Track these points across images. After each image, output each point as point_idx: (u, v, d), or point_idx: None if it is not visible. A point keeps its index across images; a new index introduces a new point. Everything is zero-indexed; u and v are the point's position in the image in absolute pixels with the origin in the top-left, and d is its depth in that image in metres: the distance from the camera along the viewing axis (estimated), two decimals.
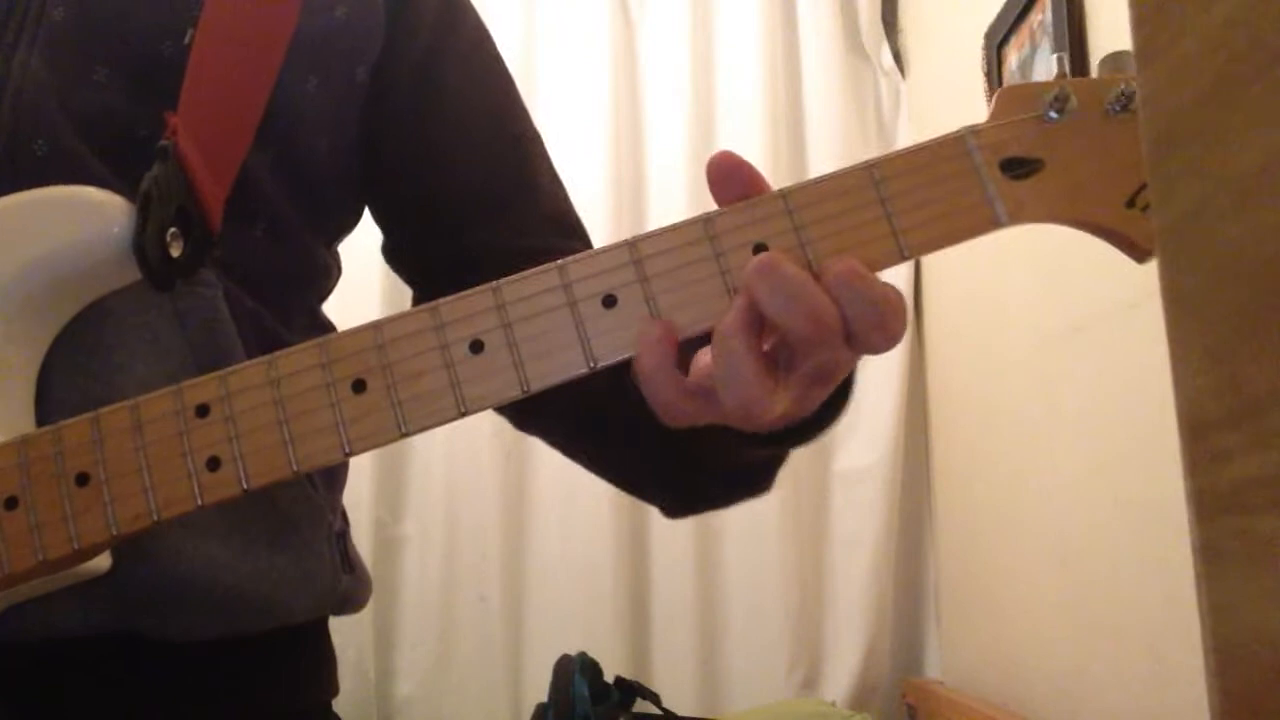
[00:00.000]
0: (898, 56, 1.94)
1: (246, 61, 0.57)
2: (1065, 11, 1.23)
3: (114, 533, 0.44)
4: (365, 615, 1.71)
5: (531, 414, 0.65)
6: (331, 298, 0.72)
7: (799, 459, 1.93)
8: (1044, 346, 1.34)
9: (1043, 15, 1.30)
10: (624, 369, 0.44)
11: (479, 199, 0.66)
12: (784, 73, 1.89)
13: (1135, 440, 1.08)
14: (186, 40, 0.55)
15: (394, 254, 0.70)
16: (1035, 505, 1.37)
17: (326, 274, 0.70)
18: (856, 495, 1.79)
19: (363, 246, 0.74)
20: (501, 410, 0.65)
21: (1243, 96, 0.22)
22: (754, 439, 0.49)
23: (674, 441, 0.56)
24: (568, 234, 0.66)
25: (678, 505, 0.66)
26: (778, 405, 0.42)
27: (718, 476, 0.59)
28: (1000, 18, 1.45)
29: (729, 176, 0.44)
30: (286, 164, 0.61)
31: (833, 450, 1.84)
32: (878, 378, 1.81)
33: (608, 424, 0.61)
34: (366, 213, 0.71)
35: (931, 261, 1.82)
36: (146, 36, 0.56)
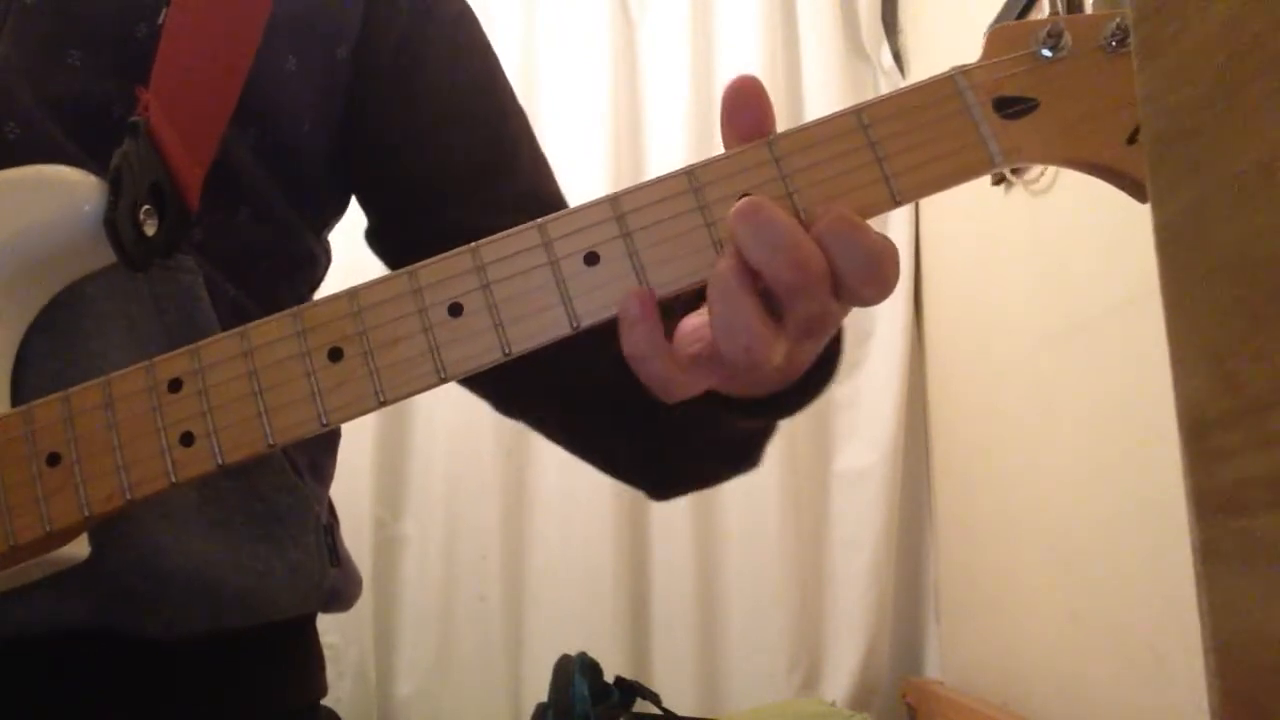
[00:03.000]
0: (898, 56, 1.94)
1: (222, 38, 0.56)
2: (1064, 8, 1.23)
3: (86, 514, 0.43)
4: (365, 615, 1.72)
5: (513, 396, 0.65)
6: (325, 288, 0.71)
7: (799, 459, 1.93)
8: (1044, 346, 1.34)
9: (1043, 15, 1.30)
10: (610, 347, 0.42)
11: (456, 176, 0.66)
12: (784, 73, 1.89)
13: (1135, 440, 1.08)
14: (160, 20, 0.54)
15: (375, 236, 0.69)
16: (1035, 505, 1.37)
17: (314, 262, 0.69)
18: (856, 495, 1.79)
19: (359, 236, 0.74)
20: (484, 394, 0.64)
21: (1243, 96, 0.22)
22: (742, 409, 0.48)
23: (662, 419, 0.54)
24: (545, 214, 0.66)
25: (666, 485, 0.65)
26: (778, 352, 0.41)
27: (707, 452, 0.58)
28: (1000, 17, 1.45)
29: (743, 105, 0.43)
30: (269, 145, 0.60)
31: (833, 451, 1.84)
32: (878, 378, 1.81)
33: (593, 405, 0.60)
34: (356, 201, 0.71)
35: (931, 261, 1.82)
36: (120, 18, 0.56)
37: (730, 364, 0.41)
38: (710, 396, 0.48)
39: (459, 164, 0.66)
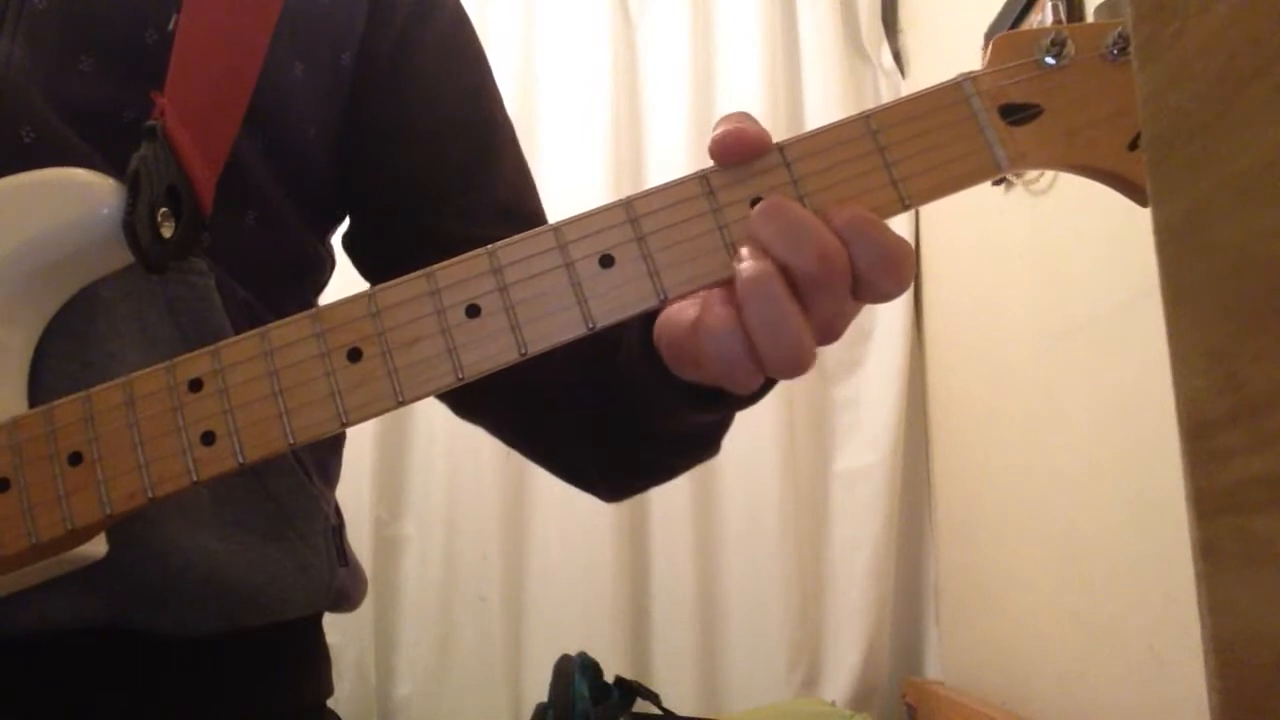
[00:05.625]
0: (898, 56, 1.94)
1: (232, 44, 0.56)
2: (1065, 12, 1.23)
3: (107, 512, 0.43)
4: (365, 615, 1.72)
5: (471, 401, 0.65)
6: (329, 291, 0.71)
7: (799, 459, 1.93)
8: (1044, 346, 1.34)
9: (1042, 15, 1.30)
10: (574, 346, 0.43)
11: (435, 181, 0.66)
12: (784, 73, 1.89)
13: (1135, 440, 1.08)
14: (170, 27, 0.55)
15: (351, 239, 0.70)
16: (1035, 505, 1.37)
17: (320, 265, 0.69)
18: (856, 495, 1.79)
19: None
20: (442, 398, 0.65)
21: (1243, 96, 0.22)
22: (700, 403, 0.49)
23: (622, 413, 0.56)
24: (521, 228, 0.66)
25: (623, 482, 0.65)
26: (814, 352, 0.41)
27: (668, 444, 0.58)
28: (1000, 17, 1.45)
29: (736, 155, 0.43)
30: (276, 150, 0.61)
31: (833, 450, 1.83)
32: (878, 378, 1.81)
33: (553, 404, 0.61)
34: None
35: (932, 260, 1.82)
36: (130, 24, 0.56)
37: (771, 367, 0.41)
38: (673, 389, 0.49)
39: (442, 170, 0.66)
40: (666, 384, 0.49)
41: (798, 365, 0.41)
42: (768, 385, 0.50)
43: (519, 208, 0.67)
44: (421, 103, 0.67)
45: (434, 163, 0.66)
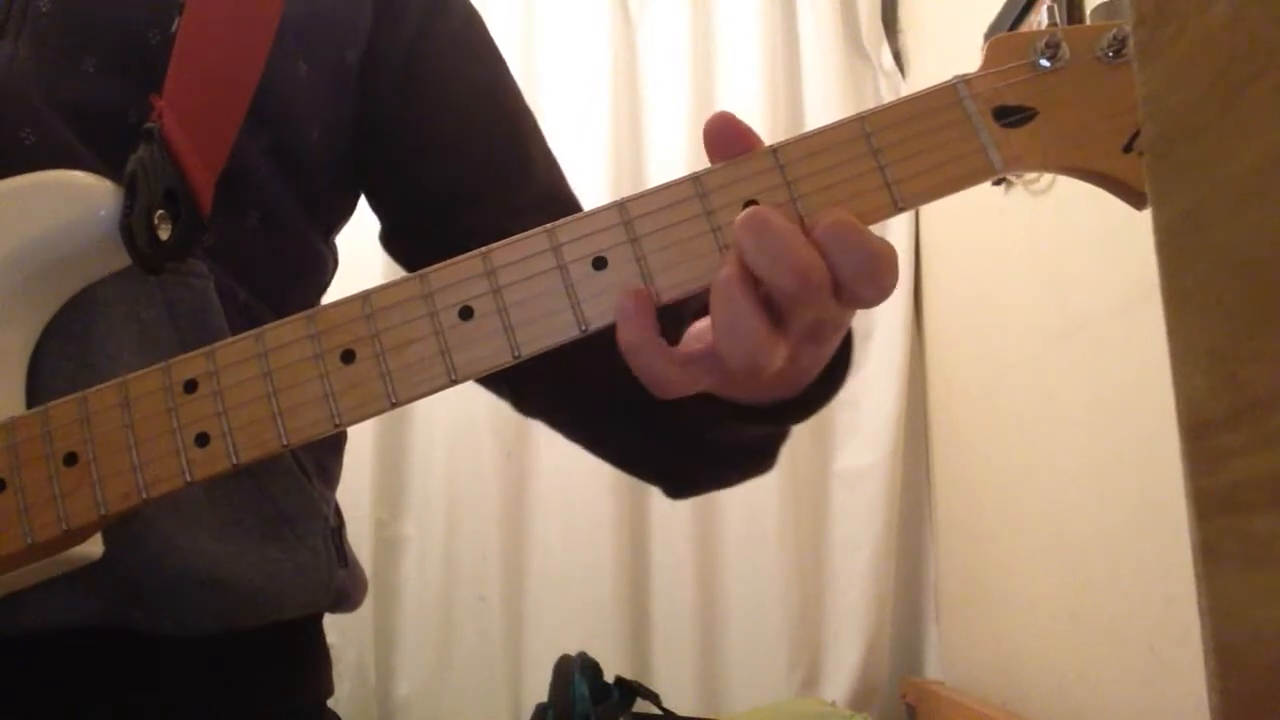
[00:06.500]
0: (898, 56, 1.94)
1: (233, 45, 0.57)
2: (1064, 13, 1.23)
3: (102, 512, 0.44)
4: (365, 615, 1.72)
5: (533, 397, 0.65)
6: (331, 293, 0.71)
7: (799, 459, 1.93)
8: (1044, 346, 1.34)
9: (1042, 15, 1.30)
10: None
11: (471, 180, 0.66)
12: (784, 73, 1.89)
13: (1135, 440, 1.08)
14: (173, 29, 0.55)
15: (390, 240, 0.70)
16: (1035, 505, 1.37)
17: (323, 266, 0.69)
18: (856, 495, 1.79)
19: (362, 239, 0.74)
20: (504, 395, 0.65)
21: (1242, 96, 0.22)
22: (753, 415, 0.49)
23: (672, 422, 0.55)
24: (561, 214, 0.66)
25: (682, 486, 0.66)
26: (778, 356, 0.41)
27: (719, 456, 0.58)
28: (1000, 17, 1.45)
29: (724, 137, 0.44)
30: (279, 151, 0.61)
31: (833, 450, 1.83)
32: (878, 378, 1.81)
33: (608, 408, 0.61)
34: (364, 204, 0.71)
35: (932, 261, 1.82)
36: (133, 26, 0.57)
37: (731, 367, 0.41)
38: (719, 403, 0.48)
39: (476, 168, 0.66)
40: (710, 398, 0.49)
41: (755, 365, 0.41)
42: (822, 398, 0.50)
43: (556, 194, 0.68)
44: (446, 102, 0.67)
45: (469, 162, 0.67)
